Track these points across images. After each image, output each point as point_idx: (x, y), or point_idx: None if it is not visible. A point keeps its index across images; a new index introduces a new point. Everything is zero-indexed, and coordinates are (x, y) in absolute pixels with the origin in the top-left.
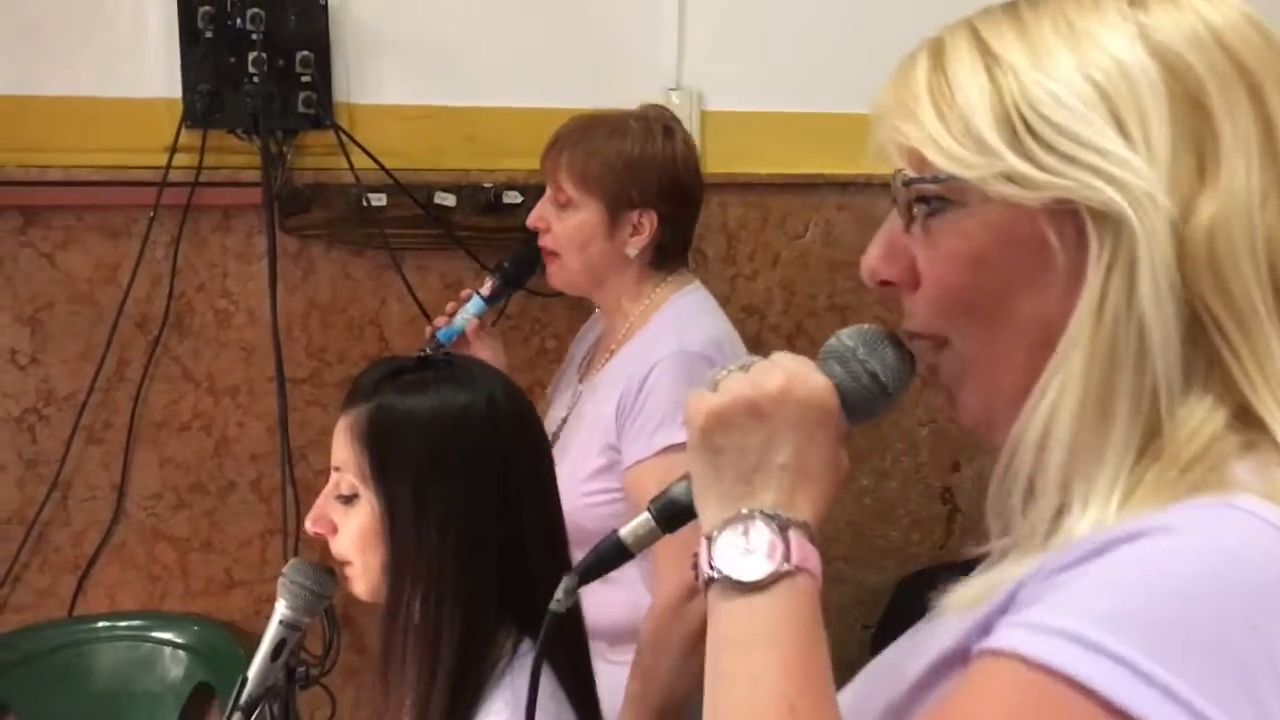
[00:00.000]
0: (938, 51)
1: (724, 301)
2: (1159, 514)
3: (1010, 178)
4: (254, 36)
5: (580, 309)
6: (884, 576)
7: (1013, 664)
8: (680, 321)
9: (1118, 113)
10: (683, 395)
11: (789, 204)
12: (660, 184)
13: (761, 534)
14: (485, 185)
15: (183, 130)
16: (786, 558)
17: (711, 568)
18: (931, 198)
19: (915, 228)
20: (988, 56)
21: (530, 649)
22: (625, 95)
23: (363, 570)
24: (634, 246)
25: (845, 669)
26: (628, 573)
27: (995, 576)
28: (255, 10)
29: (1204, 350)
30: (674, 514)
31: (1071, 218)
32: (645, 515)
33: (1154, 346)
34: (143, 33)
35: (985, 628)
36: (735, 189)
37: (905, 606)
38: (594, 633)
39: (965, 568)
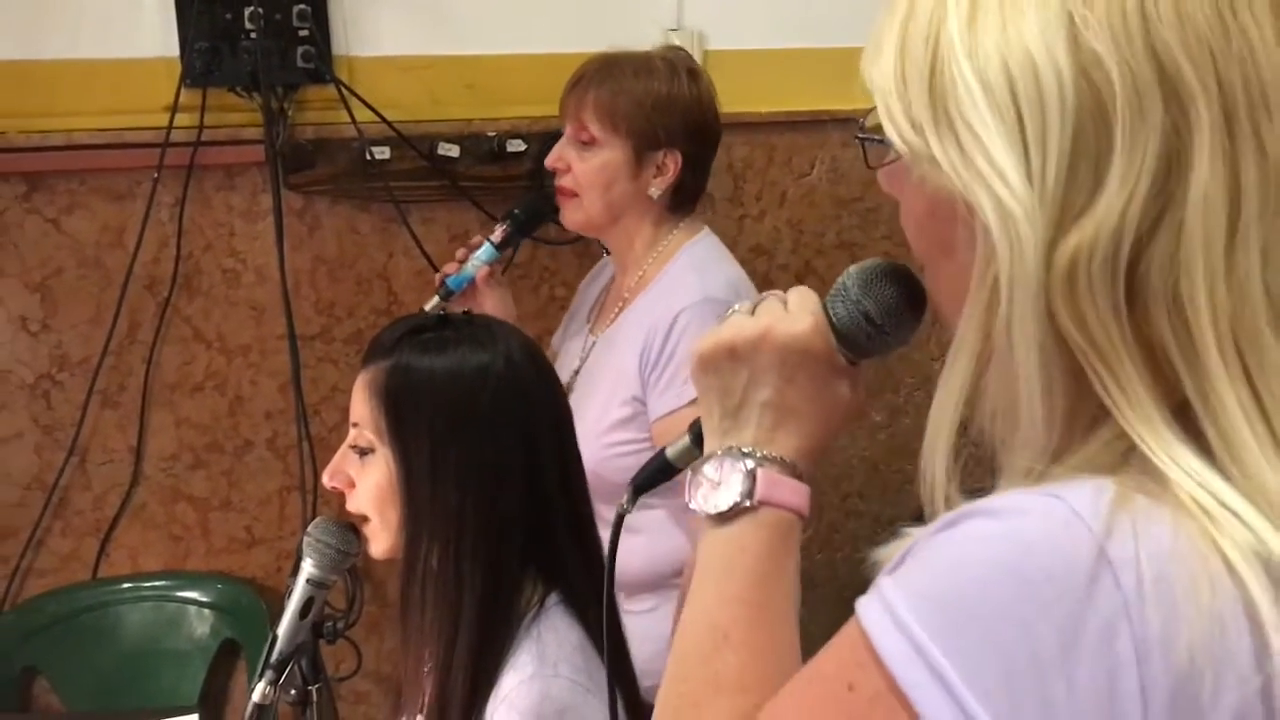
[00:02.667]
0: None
1: (732, 243)
2: (1001, 496)
3: (930, 161)
4: None
5: (589, 257)
6: (899, 510)
7: (854, 623)
8: (698, 268)
9: (1021, 115)
10: None
11: (794, 142)
12: (686, 124)
13: (731, 469)
14: (489, 134)
15: (182, 89)
16: (749, 494)
17: (689, 498)
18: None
19: (881, 172)
20: (938, 18)
21: (557, 601)
22: (626, 38)
23: (381, 526)
24: (657, 187)
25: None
26: (646, 521)
27: (908, 539)
28: None
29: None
30: (701, 434)
31: (974, 216)
32: (685, 438)
33: (1020, 367)
34: None
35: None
36: (740, 129)
37: None
38: (617, 585)
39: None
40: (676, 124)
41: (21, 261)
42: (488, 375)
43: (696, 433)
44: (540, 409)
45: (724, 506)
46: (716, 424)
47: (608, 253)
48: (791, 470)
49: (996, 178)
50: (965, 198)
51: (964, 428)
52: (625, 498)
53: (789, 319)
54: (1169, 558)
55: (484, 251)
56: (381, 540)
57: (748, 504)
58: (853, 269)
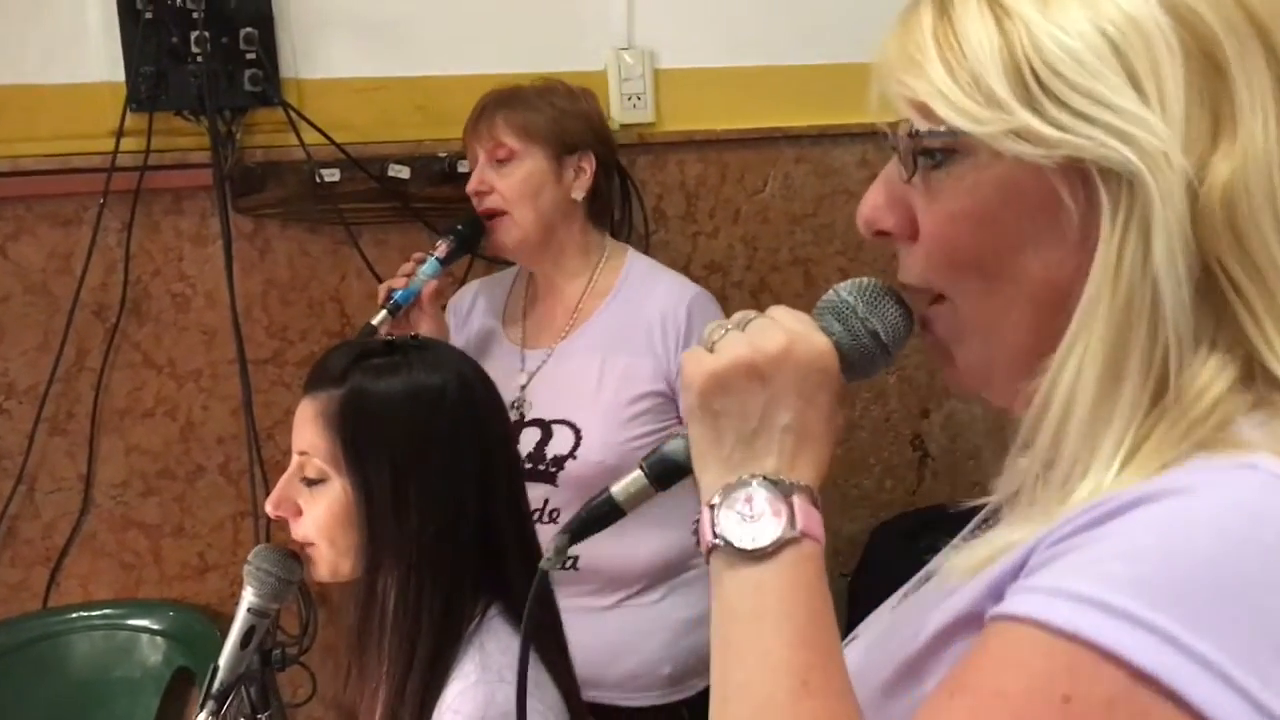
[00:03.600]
0: (943, 2)
1: (686, 260)
2: (1175, 475)
3: (1021, 134)
4: (195, 15)
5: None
6: (858, 525)
7: (1033, 631)
8: (664, 272)
9: (1131, 68)
10: None
11: (747, 159)
12: (592, 130)
13: (764, 500)
14: (439, 155)
15: (128, 113)
16: (791, 524)
17: (715, 535)
18: (937, 150)
19: (917, 179)
20: (996, 6)
21: (498, 613)
22: (577, 57)
23: (328, 550)
24: (579, 189)
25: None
26: (653, 513)
27: (1002, 539)
28: None
29: (1214, 310)
30: (667, 472)
31: (1083, 176)
32: (638, 473)
33: (1167, 307)
34: (82, 15)
35: (997, 592)
36: (692, 146)
37: (881, 553)
38: (626, 577)
39: (937, 513)
40: (584, 130)
41: None
42: (444, 398)
43: (658, 470)
44: (491, 428)
45: (766, 542)
46: (727, 452)
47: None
48: (814, 500)
49: (1128, 123)
50: (1084, 155)
51: (919, 439)
52: (551, 548)
53: (806, 336)
54: None
55: (428, 266)
56: (327, 563)
57: (793, 535)
58: (845, 286)
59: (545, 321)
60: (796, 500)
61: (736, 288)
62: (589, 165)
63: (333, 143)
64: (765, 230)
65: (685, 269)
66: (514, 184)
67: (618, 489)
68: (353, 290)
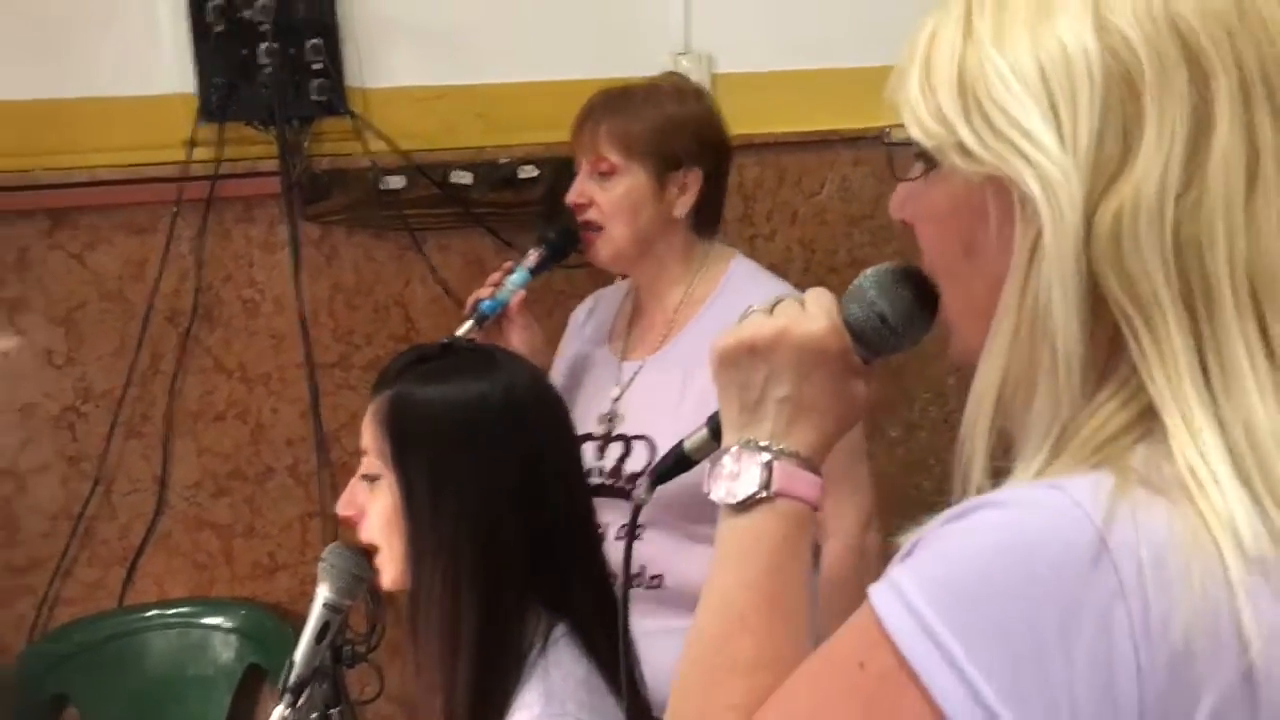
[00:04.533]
0: (941, 19)
1: None
2: (1008, 489)
3: (958, 148)
4: (263, 27)
5: (605, 278)
6: (916, 526)
7: (866, 605)
8: (760, 280)
9: (1052, 95)
10: None
11: (804, 162)
12: (700, 141)
13: (749, 461)
14: (501, 161)
15: (200, 124)
16: (766, 485)
17: (707, 488)
18: (922, 156)
19: (922, 179)
20: (967, 27)
21: (563, 634)
22: (635, 63)
23: (389, 556)
24: (681, 206)
25: None
26: (710, 530)
27: (920, 530)
28: (264, 1)
29: (1113, 339)
30: (719, 428)
31: (1007, 195)
32: (703, 430)
33: (1059, 331)
34: (155, 29)
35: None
36: (750, 150)
37: None
38: (693, 595)
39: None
40: (691, 142)
41: (46, 296)
42: (486, 404)
43: (714, 426)
44: (542, 437)
45: (741, 496)
46: (735, 418)
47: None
48: (806, 464)
49: (1032, 146)
50: (1001, 173)
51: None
52: (643, 487)
53: (805, 319)
54: (1166, 545)
55: (518, 276)
56: (389, 570)
57: (764, 495)
58: (869, 271)
59: (645, 332)
60: (778, 464)
61: (794, 289)
62: (694, 181)
63: (397, 150)
64: (823, 232)
65: None
66: (613, 200)
67: (688, 442)
68: (417, 295)
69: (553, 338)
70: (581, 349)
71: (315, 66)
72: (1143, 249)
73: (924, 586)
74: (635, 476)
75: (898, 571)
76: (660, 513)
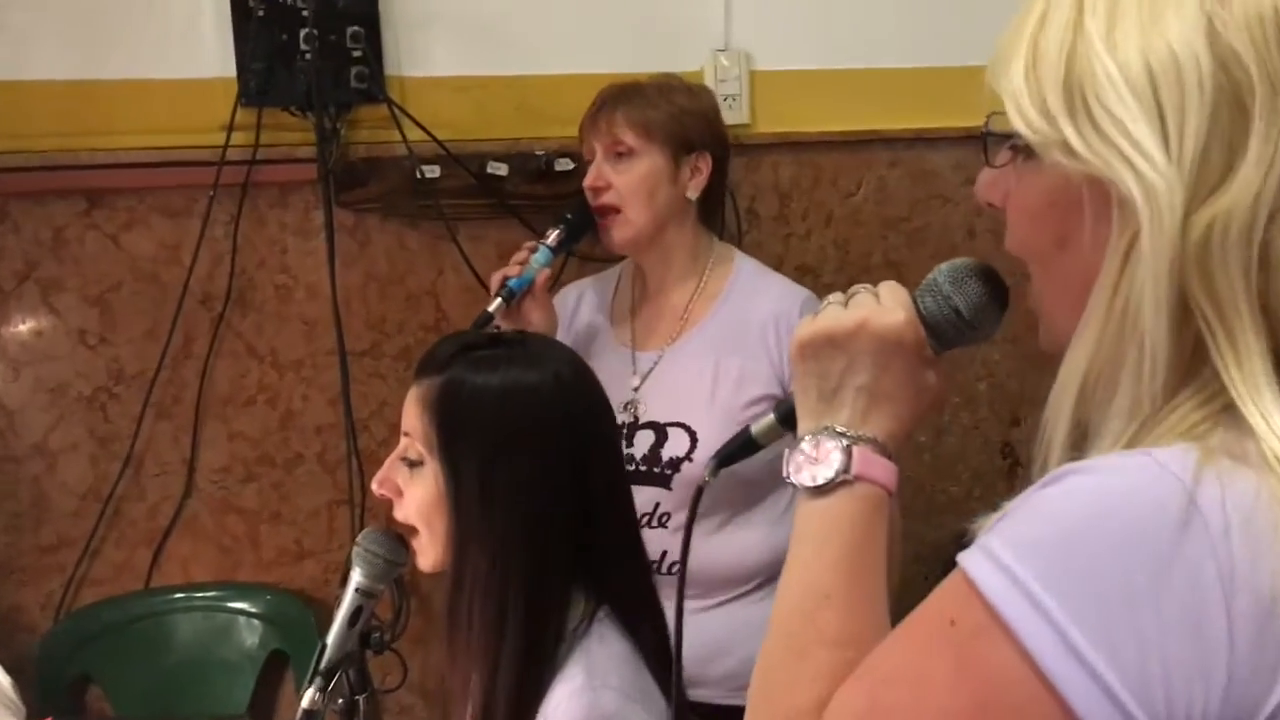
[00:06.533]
0: (1047, 10)
1: (778, 261)
2: (1093, 458)
3: (1062, 146)
4: (305, 13)
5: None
6: (943, 532)
7: (957, 571)
8: (771, 275)
9: (1161, 103)
10: None
11: (840, 162)
12: (710, 129)
13: (828, 447)
14: (537, 153)
15: (238, 109)
16: (846, 468)
17: (788, 473)
18: (1019, 146)
19: (1011, 167)
20: (1078, 22)
21: (606, 615)
22: (674, 59)
23: (429, 539)
24: (694, 189)
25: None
26: (758, 516)
27: (1006, 506)
28: None
29: (1197, 342)
30: (787, 415)
31: (1105, 194)
32: (770, 416)
33: (1147, 333)
34: (197, 13)
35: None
36: (786, 148)
37: None
38: (734, 578)
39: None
40: (703, 128)
41: (81, 276)
42: (538, 394)
43: (783, 413)
44: (588, 427)
45: (822, 480)
46: (813, 405)
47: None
48: (883, 450)
49: (1138, 154)
50: (1103, 175)
51: (1009, 447)
52: (707, 469)
53: (884, 311)
54: (1253, 507)
55: (541, 255)
56: (429, 553)
57: (846, 477)
58: (944, 266)
59: (654, 323)
60: (857, 449)
61: (827, 290)
62: (705, 165)
63: (434, 139)
64: (857, 233)
65: (776, 270)
66: (631, 180)
67: (755, 427)
68: (449, 284)
69: None
70: (579, 336)
71: (355, 54)
72: (1230, 261)
73: (1015, 547)
74: (678, 462)
75: (986, 537)
76: (688, 498)
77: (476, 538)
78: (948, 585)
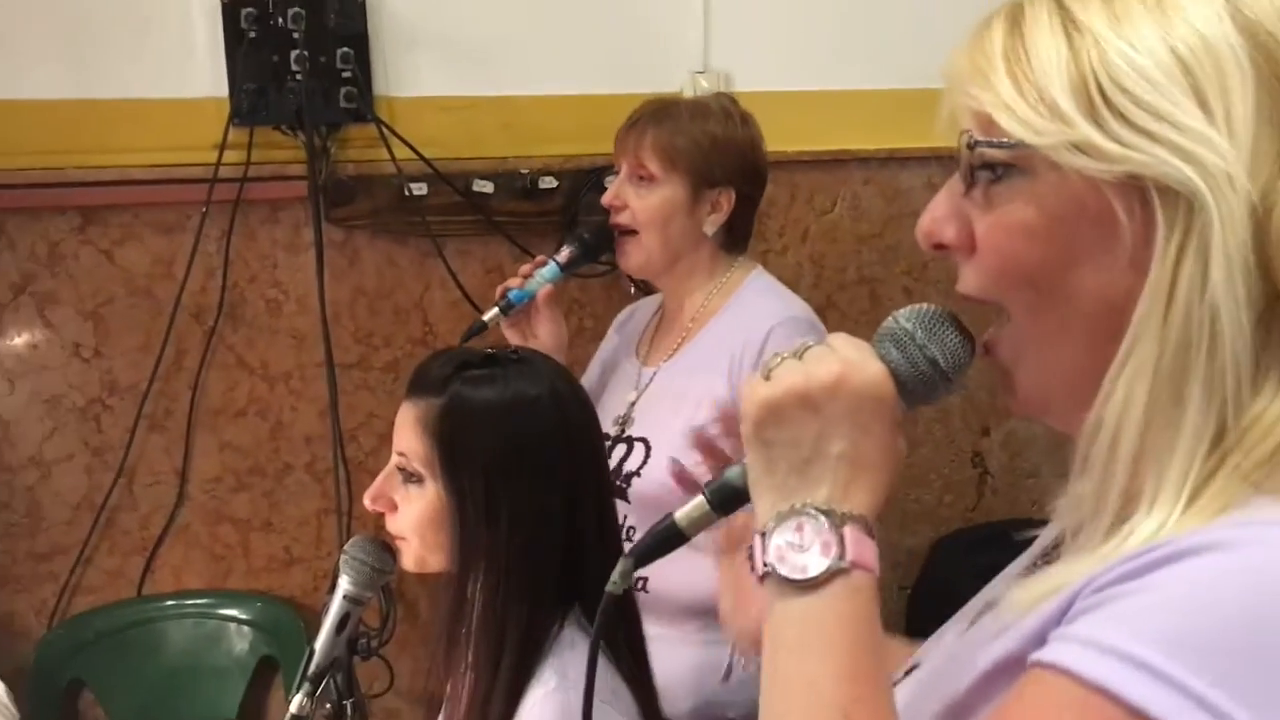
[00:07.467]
0: (1016, 16)
1: None
2: (1222, 527)
3: (1082, 148)
4: (295, 35)
5: (617, 290)
6: (918, 539)
7: (1065, 681)
8: (772, 293)
9: (1200, 87)
10: None
11: (816, 180)
12: (740, 164)
13: (815, 530)
14: (522, 171)
15: (230, 128)
16: (841, 555)
17: (765, 564)
18: (997, 164)
19: (976, 193)
20: (1068, 22)
21: (578, 615)
22: (655, 79)
23: (417, 546)
24: (712, 224)
25: (884, 629)
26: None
27: (1055, 579)
28: (296, 10)
29: (1267, 337)
30: (727, 498)
31: (1140, 194)
32: (700, 499)
33: (1225, 333)
34: (190, 35)
35: (1040, 637)
36: None
37: (941, 567)
38: (694, 607)
39: (997, 528)
40: (731, 163)
41: (76, 290)
42: (538, 411)
43: (721, 496)
44: (583, 442)
45: (815, 572)
46: (780, 480)
47: (636, 286)
48: (868, 530)
49: (1191, 140)
50: (1144, 171)
51: (979, 457)
52: (616, 572)
53: (860, 364)
54: None
55: (548, 270)
56: (415, 556)
57: (841, 565)
58: (904, 313)
59: (662, 339)
60: (848, 530)
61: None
62: (727, 201)
63: (421, 158)
64: (833, 250)
65: None
66: (647, 207)
67: (680, 514)
68: (436, 299)
69: (570, 343)
70: (612, 355)
71: (344, 74)
72: None
73: (1172, 650)
74: (630, 476)
75: (1104, 635)
76: (644, 513)
77: (483, 554)
78: (1050, 702)
